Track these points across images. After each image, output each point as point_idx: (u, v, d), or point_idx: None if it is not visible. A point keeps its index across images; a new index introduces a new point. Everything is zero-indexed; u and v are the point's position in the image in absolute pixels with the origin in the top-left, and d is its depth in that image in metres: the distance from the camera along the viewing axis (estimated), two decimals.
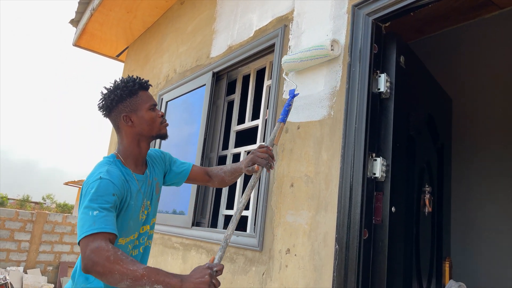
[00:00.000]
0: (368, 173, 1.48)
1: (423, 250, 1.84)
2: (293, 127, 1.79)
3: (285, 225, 1.70)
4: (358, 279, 1.38)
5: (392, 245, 1.47)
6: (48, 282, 10.33)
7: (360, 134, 1.49)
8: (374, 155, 1.50)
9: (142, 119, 1.54)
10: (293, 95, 1.58)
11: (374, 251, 1.45)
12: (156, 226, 2.71)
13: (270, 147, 1.56)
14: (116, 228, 1.33)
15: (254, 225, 1.94)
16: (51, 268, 11.02)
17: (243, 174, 1.66)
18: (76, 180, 14.86)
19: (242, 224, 2.34)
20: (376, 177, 1.48)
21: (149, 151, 1.73)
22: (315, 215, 1.57)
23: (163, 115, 1.61)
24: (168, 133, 1.64)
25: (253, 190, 1.58)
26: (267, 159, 1.51)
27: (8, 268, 10.23)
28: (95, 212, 1.31)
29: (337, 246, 1.44)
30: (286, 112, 1.54)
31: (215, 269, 1.28)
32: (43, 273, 10.84)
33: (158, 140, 3.11)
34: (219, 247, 1.38)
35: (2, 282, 8.92)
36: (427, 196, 1.84)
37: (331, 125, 1.61)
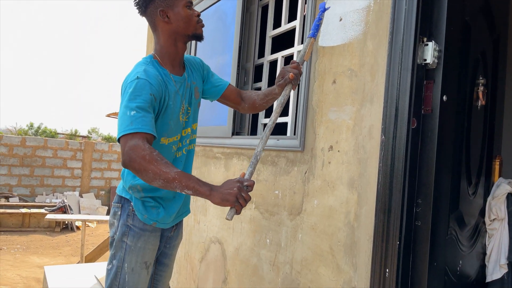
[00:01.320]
0: (418, 60, 1.37)
1: (473, 145, 1.76)
2: (334, 19, 1.67)
3: (327, 123, 1.66)
4: (405, 168, 1.34)
5: (441, 135, 1.40)
6: (102, 205, 11.18)
7: (411, 16, 1.36)
8: (425, 39, 1.38)
9: (178, 15, 1.49)
10: (323, 9, 1.50)
11: (422, 142, 1.39)
12: (197, 139, 2.76)
13: (301, 64, 1.53)
14: (153, 129, 1.34)
15: (295, 127, 1.92)
16: (103, 192, 11.87)
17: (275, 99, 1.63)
18: (117, 111, 15.39)
19: (282, 130, 2.32)
20: (427, 64, 1.38)
21: (188, 57, 1.69)
22: (360, 109, 1.51)
23: (199, 15, 1.55)
24: (203, 41, 1.60)
25: (293, 92, 1.54)
26: (297, 74, 1.49)
27: (65, 193, 11.11)
28: (132, 112, 1.32)
29: (383, 137, 1.39)
30: (317, 27, 1.49)
31: (245, 183, 1.29)
32: (96, 197, 11.71)
33: (193, 50, 3.05)
34: (250, 163, 1.37)
35: (61, 205, 9.72)
36: (481, 88, 1.72)
37: (377, 10, 1.48)
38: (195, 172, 2.85)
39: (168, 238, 1.70)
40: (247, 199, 1.27)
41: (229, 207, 1.27)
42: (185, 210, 1.74)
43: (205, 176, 2.70)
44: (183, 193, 1.28)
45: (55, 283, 3.36)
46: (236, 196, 1.24)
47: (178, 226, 1.74)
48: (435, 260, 1.41)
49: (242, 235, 2.19)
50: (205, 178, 2.69)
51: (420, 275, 1.37)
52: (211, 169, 2.64)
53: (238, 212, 1.29)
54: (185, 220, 2.71)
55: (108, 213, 10.39)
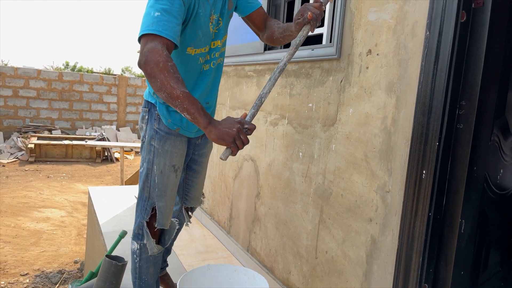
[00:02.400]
0: None
1: None
2: None
3: (366, 25, 1.56)
4: (450, 66, 1.26)
5: (492, 33, 1.28)
6: (138, 138, 11.56)
7: None
8: None
9: None
10: None
11: (471, 38, 1.28)
12: (227, 59, 2.71)
13: (324, 5, 1.38)
14: (176, 37, 1.27)
15: (331, 35, 1.82)
16: (138, 126, 12.21)
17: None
18: None
19: (318, 41, 2.23)
20: None
21: None
22: (403, 6, 1.40)
23: None
24: None
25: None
26: (317, 15, 1.35)
27: (103, 127, 11.53)
28: (157, 14, 1.26)
29: (428, 33, 1.29)
30: None
31: (246, 126, 1.23)
32: (132, 131, 12.11)
33: None
34: (253, 105, 1.30)
35: (100, 137, 10.13)
36: None
37: None
38: (226, 93, 2.84)
39: (196, 145, 1.73)
40: (244, 142, 1.22)
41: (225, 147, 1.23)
42: None
43: (237, 96, 2.69)
44: (183, 115, 1.24)
45: (98, 200, 3.59)
46: (233, 137, 1.20)
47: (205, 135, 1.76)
48: (474, 165, 1.36)
49: (274, 151, 2.20)
50: (237, 99, 2.68)
51: (458, 178, 1.34)
52: (243, 88, 2.61)
53: (233, 153, 1.24)
54: None
55: None
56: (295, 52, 1.37)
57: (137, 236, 1.66)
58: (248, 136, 1.24)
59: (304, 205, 1.93)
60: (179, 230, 1.92)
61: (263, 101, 1.33)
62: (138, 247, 1.66)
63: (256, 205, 2.39)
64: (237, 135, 1.20)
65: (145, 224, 1.62)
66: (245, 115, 1.30)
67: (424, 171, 1.30)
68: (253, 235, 2.42)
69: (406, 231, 1.35)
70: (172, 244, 2.09)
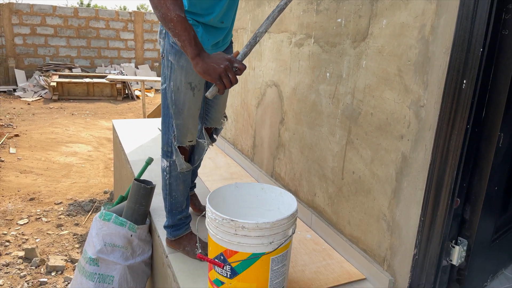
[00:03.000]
0: None
1: None
2: None
3: None
4: None
5: None
6: (157, 76, 11.51)
7: None
8: None
9: None
10: None
11: None
12: None
13: None
14: None
15: None
16: (157, 64, 12.11)
17: None
18: None
19: None
20: None
21: None
22: None
23: None
24: None
25: None
26: None
27: (122, 64, 11.47)
28: None
29: None
30: None
31: (236, 64, 1.19)
32: (151, 68, 12.02)
33: None
34: (247, 43, 1.22)
35: (120, 75, 10.11)
36: None
37: None
38: (247, 16, 2.71)
39: None
40: (232, 82, 1.19)
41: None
42: (225, 43, 1.66)
43: (259, 18, 2.56)
44: (174, 39, 1.20)
45: (123, 132, 3.64)
46: (219, 75, 1.17)
47: None
48: None
49: (299, 73, 2.12)
50: (259, 21, 2.55)
51: (500, 88, 1.25)
52: (265, 9, 2.47)
53: (220, 92, 1.21)
54: None
55: None
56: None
57: (166, 153, 1.67)
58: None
59: (330, 128, 1.89)
60: (206, 150, 1.93)
61: (258, 40, 1.28)
62: (168, 164, 1.68)
63: (280, 131, 2.36)
64: (224, 73, 1.17)
65: (173, 141, 1.62)
66: (237, 53, 1.25)
67: (464, 81, 1.21)
68: (277, 161, 2.42)
69: (441, 146, 1.30)
70: (198, 165, 2.11)
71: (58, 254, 3.25)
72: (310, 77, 2.02)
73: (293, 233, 1.35)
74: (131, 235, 2.03)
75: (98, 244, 2.02)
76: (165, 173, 1.71)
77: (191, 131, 1.64)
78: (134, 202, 2.05)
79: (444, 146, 1.29)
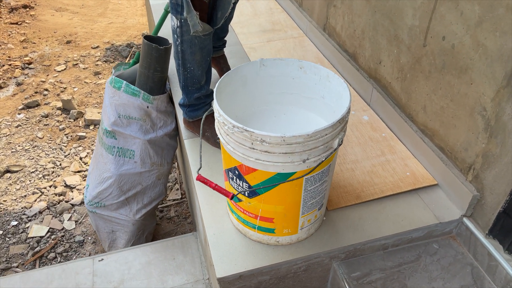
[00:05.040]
0: None
1: None
2: None
3: None
4: None
5: None
6: None
7: None
8: None
9: None
10: None
11: None
12: None
13: None
14: None
15: None
16: None
17: None
18: None
19: None
20: None
21: None
22: None
23: None
24: None
25: None
26: None
27: None
28: None
29: None
30: None
31: None
32: None
33: None
34: None
35: None
36: None
37: None
38: None
39: None
40: None
41: None
42: None
43: None
44: None
45: None
46: None
47: None
48: None
49: None
50: None
51: None
52: None
53: None
54: None
55: None
56: None
57: (175, 7, 1.18)
58: None
59: None
60: (234, 4, 1.38)
61: None
62: (178, 23, 1.20)
63: None
64: None
65: None
66: None
67: None
68: (332, 9, 1.79)
69: None
70: (227, 22, 1.59)
71: (95, 106, 3.11)
72: None
73: (339, 144, 0.91)
74: (148, 107, 1.69)
75: (112, 115, 1.72)
76: (175, 36, 1.25)
77: None
78: (147, 67, 1.65)
79: None
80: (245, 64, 1.05)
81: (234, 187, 1.00)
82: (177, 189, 2.42)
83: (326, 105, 1.06)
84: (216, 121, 0.95)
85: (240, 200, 1.02)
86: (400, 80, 1.38)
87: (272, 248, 1.08)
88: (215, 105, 0.91)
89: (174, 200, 2.34)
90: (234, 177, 0.97)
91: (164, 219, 2.26)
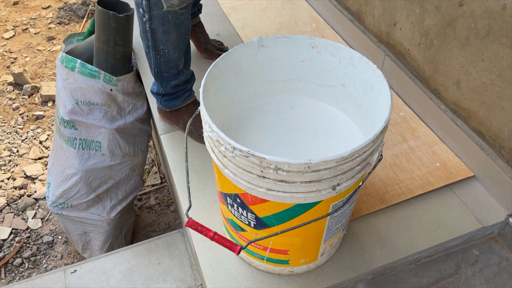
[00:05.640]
0: None
1: None
2: None
3: None
4: None
5: None
6: None
7: None
8: None
9: None
10: None
11: None
12: None
13: None
14: None
15: None
16: None
17: None
18: None
19: None
20: None
21: None
22: None
23: None
24: None
25: None
26: None
27: None
28: None
29: None
30: None
31: None
32: None
33: None
34: None
35: None
36: None
37: None
38: None
39: None
40: None
41: None
42: None
43: None
44: None
45: None
46: None
47: None
48: None
49: None
50: None
51: None
52: None
53: None
54: None
55: None
56: None
57: None
58: None
59: None
60: None
61: None
62: None
63: None
64: None
65: None
66: None
67: None
68: None
69: None
70: None
71: (52, 79, 2.72)
72: None
73: (379, 159, 0.67)
74: (111, 90, 1.38)
75: (68, 102, 1.41)
76: (141, 10, 0.93)
77: None
78: (105, 41, 1.31)
79: None
80: (238, 47, 0.76)
81: (234, 215, 0.76)
82: (155, 172, 2.15)
83: (348, 96, 0.80)
84: (205, 133, 0.67)
85: (243, 230, 0.78)
86: (424, 47, 1.12)
87: (285, 280, 0.86)
88: (204, 114, 0.63)
89: (153, 185, 2.08)
90: (235, 205, 0.72)
91: (143, 208, 2.00)
